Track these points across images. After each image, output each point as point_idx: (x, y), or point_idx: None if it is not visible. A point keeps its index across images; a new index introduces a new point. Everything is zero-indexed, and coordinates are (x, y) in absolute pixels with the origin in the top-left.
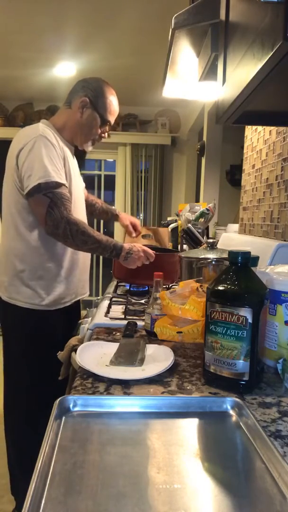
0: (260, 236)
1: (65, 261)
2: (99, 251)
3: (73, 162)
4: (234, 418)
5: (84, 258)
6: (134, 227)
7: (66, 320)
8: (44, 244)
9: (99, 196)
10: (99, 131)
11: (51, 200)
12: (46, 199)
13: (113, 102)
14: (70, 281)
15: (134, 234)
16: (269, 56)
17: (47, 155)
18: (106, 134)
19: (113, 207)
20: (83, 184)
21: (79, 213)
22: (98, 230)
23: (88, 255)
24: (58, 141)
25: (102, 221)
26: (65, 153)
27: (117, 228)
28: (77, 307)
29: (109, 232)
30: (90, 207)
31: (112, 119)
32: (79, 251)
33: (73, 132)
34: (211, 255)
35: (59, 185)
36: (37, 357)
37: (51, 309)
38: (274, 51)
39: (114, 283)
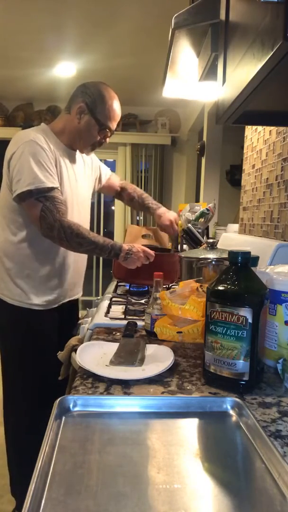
0: (260, 236)
1: (54, 263)
2: (97, 252)
3: (69, 166)
4: (234, 418)
5: (77, 260)
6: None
7: (61, 320)
8: (31, 244)
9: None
10: (99, 137)
11: (43, 204)
12: (39, 203)
13: (113, 107)
14: (59, 283)
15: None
16: (269, 56)
17: (36, 160)
18: (107, 139)
19: (151, 206)
20: (111, 175)
21: (75, 215)
22: (98, 229)
23: (83, 257)
24: (49, 144)
25: (102, 221)
26: (57, 156)
27: (117, 228)
28: (72, 306)
29: (109, 232)
30: (130, 202)
31: (112, 124)
32: (71, 253)
33: (72, 138)
34: (211, 255)
35: (50, 189)
36: (33, 355)
37: (41, 309)
38: (274, 51)
39: (114, 283)
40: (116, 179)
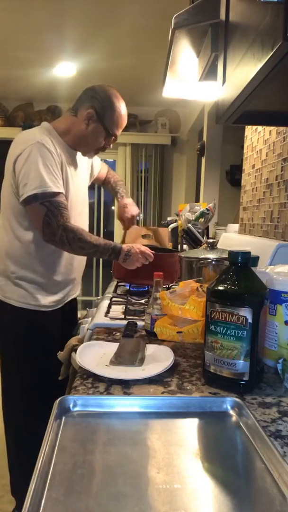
0: (260, 236)
1: (60, 264)
2: (98, 255)
3: (73, 168)
4: (234, 418)
5: (80, 262)
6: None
7: (62, 320)
8: (37, 248)
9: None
10: (104, 142)
11: (48, 209)
12: (43, 208)
13: (121, 114)
14: (65, 283)
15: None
16: (269, 56)
17: (44, 163)
18: (111, 145)
19: (120, 192)
20: (101, 165)
21: (78, 219)
22: (98, 229)
23: (84, 258)
24: (56, 147)
25: (102, 221)
26: (63, 159)
27: (117, 228)
28: (72, 306)
29: (109, 232)
30: (104, 184)
31: (119, 131)
32: (74, 256)
33: (77, 141)
34: (211, 255)
35: (56, 194)
36: (35, 356)
37: (48, 309)
38: (274, 51)
39: (114, 283)
40: (104, 168)
